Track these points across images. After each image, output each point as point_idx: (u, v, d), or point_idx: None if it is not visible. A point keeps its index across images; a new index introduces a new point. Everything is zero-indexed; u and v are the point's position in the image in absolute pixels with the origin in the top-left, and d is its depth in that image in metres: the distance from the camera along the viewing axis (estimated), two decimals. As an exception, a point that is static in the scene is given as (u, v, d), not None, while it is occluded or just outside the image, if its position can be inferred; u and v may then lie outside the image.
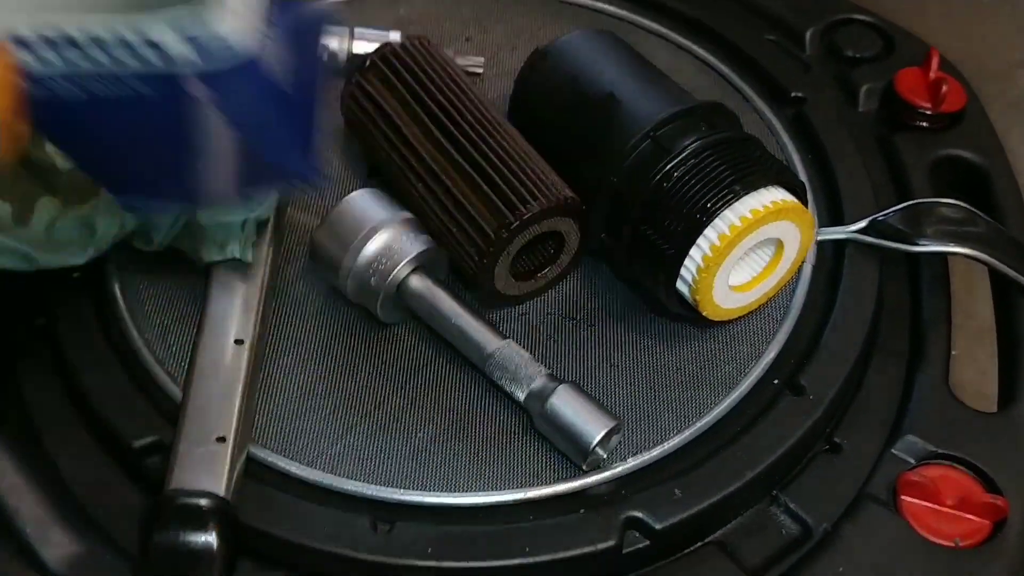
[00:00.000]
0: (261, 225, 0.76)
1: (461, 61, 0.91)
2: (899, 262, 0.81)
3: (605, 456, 0.69)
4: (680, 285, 0.71)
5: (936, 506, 0.68)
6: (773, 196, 0.69)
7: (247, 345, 0.71)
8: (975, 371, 1.15)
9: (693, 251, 0.68)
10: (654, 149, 0.71)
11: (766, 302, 0.75)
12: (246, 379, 0.69)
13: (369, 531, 0.65)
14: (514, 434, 0.70)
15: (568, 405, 0.68)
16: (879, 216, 0.79)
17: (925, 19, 1.54)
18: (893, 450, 0.72)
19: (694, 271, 0.69)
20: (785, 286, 0.76)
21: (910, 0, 1.50)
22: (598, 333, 0.76)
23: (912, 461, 0.71)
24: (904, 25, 1.00)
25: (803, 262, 0.76)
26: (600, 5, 0.98)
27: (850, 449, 0.72)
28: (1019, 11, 1.54)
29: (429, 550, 0.65)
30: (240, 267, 0.75)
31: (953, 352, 0.80)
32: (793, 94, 0.90)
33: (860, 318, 0.75)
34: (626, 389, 0.73)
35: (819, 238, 0.79)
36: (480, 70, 0.92)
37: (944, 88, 0.89)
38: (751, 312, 0.75)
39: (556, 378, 0.69)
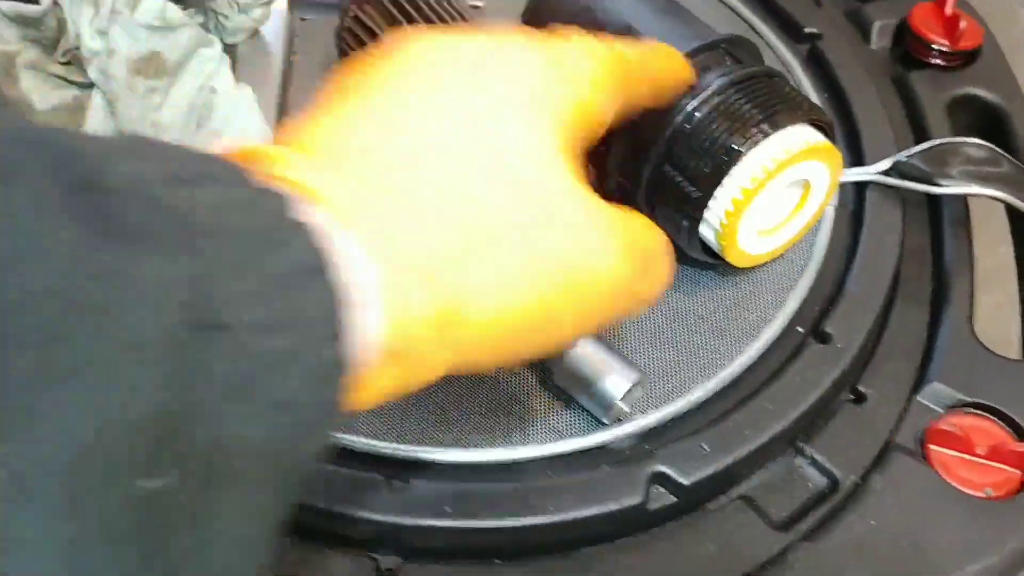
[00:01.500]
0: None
1: (460, -5, 0.87)
2: (919, 203, 0.79)
3: (628, 410, 0.66)
4: (704, 230, 0.67)
5: (966, 455, 0.67)
6: (806, 135, 0.66)
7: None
8: (992, 316, 1.13)
9: (720, 193, 0.65)
10: None
11: (789, 247, 0.73)
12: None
13: (385, 490, 0.63)
14: (533, 388, 0.68)
15: (589, 358, 0.65)
16: (901, 156, 0.76)
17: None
18: (919, 398, 0.70)
19: (721, 215, 0.66)
20: (807, 231, 0.73)
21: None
22: (614, 281, 0.73)
23: (939, 410, 0.69)
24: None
25: (831, 198, 0.74)
26: (603, -63, 0.93)
27: (876, 398, 0.70)
28: (1020, -53, 1.51)
29: (447, 509, 0.62)
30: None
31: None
32: (807, 30, 0.86)
33: (885, 263, 0.73)
34: (647, 340, 0.70)
35: (841, 180, 0.76)
36: (480, 3, 0.88)
37: (962, 24, 0.86)
38: (775, 259, 0.72)
39: (576, 329, 0.66)
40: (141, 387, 0.27)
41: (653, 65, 0.58)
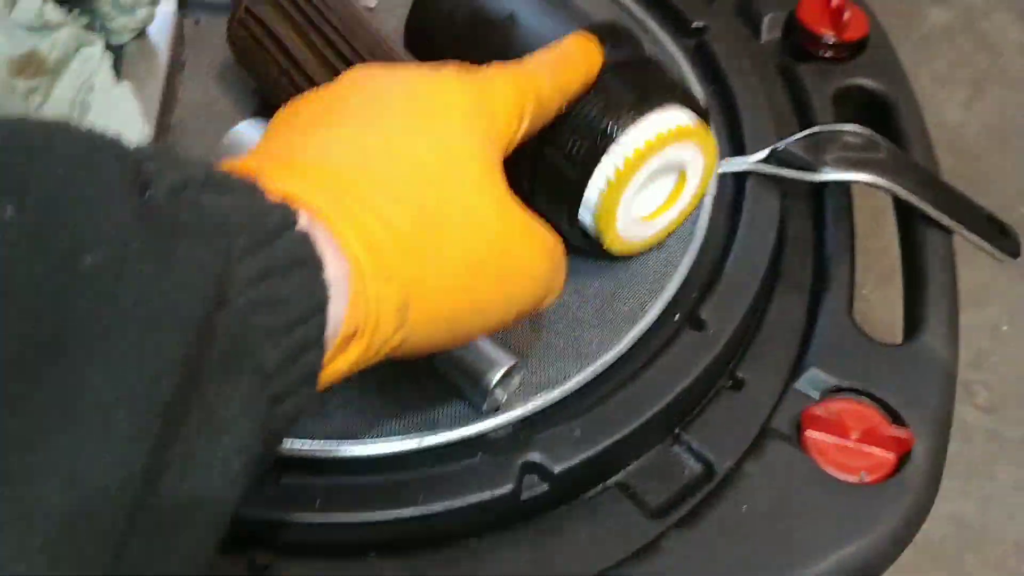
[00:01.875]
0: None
1: (352, -8, 0.88)
2: (803, 193, 0.79)
3: (505, 398, 0.66)
4: (583, 213, 0.68)
5: (841, 440, 0.67)
6: (679, 117, 0.66)
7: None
8: (886, 309, 1.15)
9: (596, 174, 0.66)
10: None
11: (667, 237, 0.73)
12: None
13: (255, 486, 0.62)
14: (409, 376, 0.67)
15: (467, 344, 0.65)
16: (779, 145, 0.77)
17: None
18: (797, 385, 0.70)
19: (597, 196, 0.66)
20: (685, 220, 0.74)
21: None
22: (496, 273, 0.73)
23: (816, 395, 0.70)
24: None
25: (704, 194, 0.74)
26: (497, -65, 0.94)
27: (753, 384, 0.70)
28: (927, -56, 1.53)
29: (317, 502, 0.62)
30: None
31: (863, 291, 0.79)
32: (694, 24, 0.87)
33: (761, 250, 0.73)
34: (526, 328, 0.70)
35: (720, 170, 0.77)
36: (373, 3, 0.88)
37: (846, 15, 0.87)
38: (652, 248, 0.73)
39: (450, 319, 0.67)
40: (169, 353, 0.35)
41: (565, 81, 0.63)
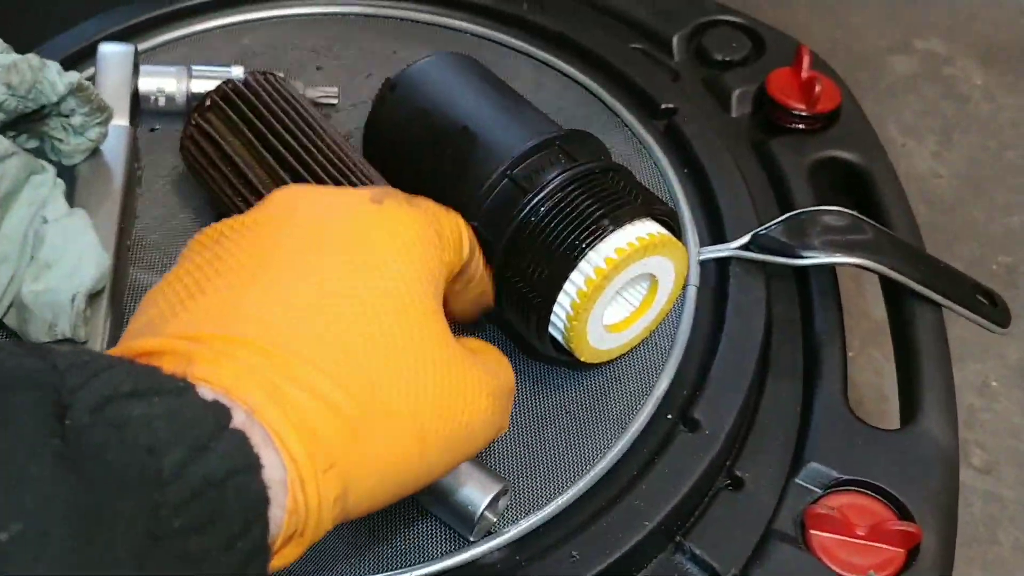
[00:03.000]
0: (94, 298, 0.69)
1: (312, 93, 0.85)
2: (786, 275, 0.77)
3: (495, 520, 0.63)
4: (553, 331, 0.65)
5: (847, 538, 0.65)
6: (639, 231, 0.63)
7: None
8: (872, 372, 1.13)
9: (561, 297, 0.63)
10: (512, 188, 0.65)
11: (646, 337, 0.71)
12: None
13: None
14: (393, 509, 0.64)
15: (449, 474, 0.62)
16: (760, 230, 0.75)
17: (793, 10, 1.53)
18: (797, 480, 0.68)
19: (564, 318, 0.63)
20: (669, 312, 0.71)
21: (776, -8, 1.51)
22: (478, 381, 0.71)
23: (818, 490, 0.67)
24: (772, 17, 0.97)
25: (685, 287, 0.72)
26: (458, 24, 0.93)
27: (753, 483, 0.68)
28: (888, -3, 1.53)
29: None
30: (75, 346, 0.67)
31: (849, 354, 0.77)
32: (663, 106, 0.85)
33: (750, 341, 0.71)
34: (513, 441, 0.67)
35: (701, 258, 0.75)
36: (334, 101, 0.86)
37: (817, 88, 0.85)
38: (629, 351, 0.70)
39: (433, 440, 0.64)
40: None
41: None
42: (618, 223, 0.63)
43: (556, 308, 0.63)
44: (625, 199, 0.64)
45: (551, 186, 0.64)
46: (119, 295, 0.73)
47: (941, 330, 0.75)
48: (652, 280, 0.67)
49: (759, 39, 0.94)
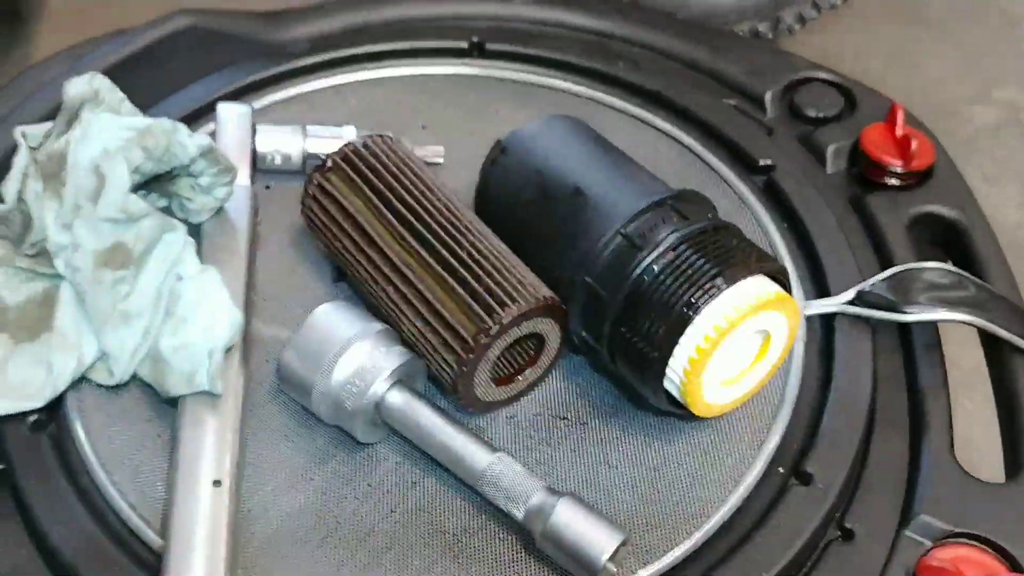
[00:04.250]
0: (228, 350, 0.72)
1: (420, 152, 0.88)
2: (890, 329, 0.79)
3: (616, 571, 0.65)
4: (667, 385, 0.68)
5: (960, 591, 0.66)
6: (757, 288, 0.66)
7: (225, 487, 0.66)
8: (963, 422, 1.13)
9: (677, 352, 0.65)
10: (626, 246, 0.68)
11: (758, 391, 0.73)
12: (229, 524, 0.65)
13: None
14: (517, 554, 0.67)
15: (571, 522, 0.64)
16: (865, 286, 0.77)
17: (871, 61, 1.55)
18: (907, 532, 0.69)
19: (680, 372, 0.66)
20: (775, 373, 0.73)
21: (855, 45, 1.52)
22: (591, 432, 0.73)
23: (928, 543, 0.69)
24: (851, 67, 0.99)
25: (791, 348, 0.74)
26: (555, 83, 0.96)
27: (864, 535, 0.69)
28: (964, 46, 1.55)
29: None
30: (210, 398, 0.71)
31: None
32: (762, 162, 0.88)
33: (859, 395, 0.73)
34: (628, 492, 0.70)
35: (807, 312, 0.77)
36: (440, 160, 0.89)
37: (914, 145, 0.87)
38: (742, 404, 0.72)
39: (555, 491, 0.66)
40: None
41: None
42: (732, 280, 0.65)
43: (672, 363, 0.65)
44: (738, 256, 0.66)
45: (664, 244, 0.66)
46: (248, 348, 0.76)
47: (1044, 384, 0.76)
48: (765, 335, 0.69)
49: (850, 95, 0.96)
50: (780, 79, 0.97)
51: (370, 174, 0.78)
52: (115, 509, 0.69)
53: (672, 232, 0.67)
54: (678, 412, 0.70)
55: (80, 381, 0.74)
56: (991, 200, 1.41)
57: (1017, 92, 1.47)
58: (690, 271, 0.66)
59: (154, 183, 0.79)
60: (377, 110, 0.94)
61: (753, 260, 0.67)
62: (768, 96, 0.96)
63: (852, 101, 0.96)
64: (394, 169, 0.78)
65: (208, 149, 0.78)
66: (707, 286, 0.65)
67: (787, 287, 0.69)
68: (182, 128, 0.78)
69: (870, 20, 1.55)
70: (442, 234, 0.73)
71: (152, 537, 0.67)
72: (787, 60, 0.99)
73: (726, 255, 0.66)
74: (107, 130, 0.76)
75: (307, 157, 0.88)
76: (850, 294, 0.76)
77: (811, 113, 0.95)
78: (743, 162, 0.89)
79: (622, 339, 0.68)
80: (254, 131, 0.88)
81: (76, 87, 0.81)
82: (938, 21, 1.59)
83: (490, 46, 0.98)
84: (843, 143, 0.92)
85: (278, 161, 0.88)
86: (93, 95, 0.81)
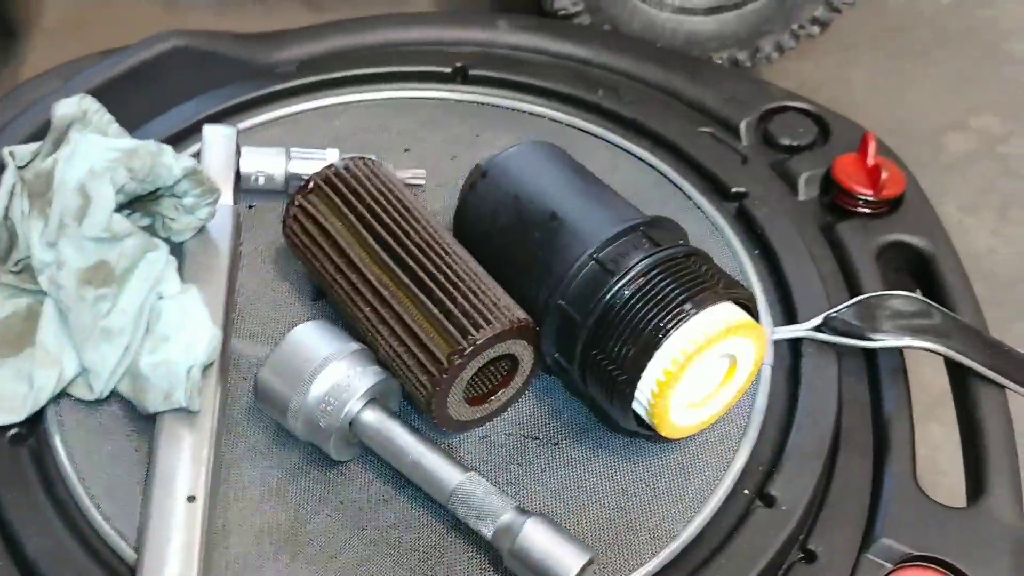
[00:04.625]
0: (205, 369, 0.74)
1: (402, 174, 0.90)
2: (856, 355, 0.81)
3: (581, 590, 0.67)
4: (636, 407, 0.69)
5: (918, 613, 0.67)
6: (725, 314, 0.67)
7: (200, 502, 0.68)
8: (928, 447, 1.15)
9: (646, 375, 0.67)
10: (599, 270, 0.69)
11: (725, 412, 0.74)
12: (202, 540, 0.66)
13: None
14: (485, 572, 0.68)
15: (538, 541, 0.65)
16: (832, 313, 0.78)
17: (851, 88, 1.58)
18: (869, 555, 0.71)
19: (648, 394, 0.67)
20: (742, 396, 0.75)
21: (835, 73, 1.55)
22: (562, 452, 0.74)
23: (889, 565, 0.70)
24: (830, 94, 1.01)
25: (757, 373, 0.76)
26: (536, 108, 0.97)
27: (826, 557, 0.71)
28: (944, 75, 1.57)
29: None
30: (187, 415, 0.72)
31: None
32: (734, 189, 0.89)
33: (824, 419, 0.75)
34: (596, 511, 0.71)
35: (775, 337, 0.78)
36: (422, 182, 0.91)
37: (884, 174, 0.89)
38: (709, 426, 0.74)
39: (524, 511, 0.67)
40: None
41: None
42: (701, 306, 0.67)
43: (641, 386, 0.67)
44: (707, 283, 0.68)
45: (636, 269, 0.68)
46: (226, 366, 0.77)
47: (1006, 412, 0.78)
48: (731, 360, 0.70)
49: (824, 125, 0.98)
50: (756, 108, 0.99)
51: (351, 196, 0.79)
52: (91, 522, 0.70)
53: (644, 258, 0.69)
54: (646, 433, 0.72)
55: (60, 396, 0.75)
56: (965, 226, 1.43)
57: (993, 121, 1.49)
58: (660, 296, 0.67)
59: (137, 202, 0.81)
60: (361, 132, 0.96)
61: (721, 287, 0.69)
62: (743, 124, 0.98)
63: (826, 130, 0.98)
64: (375, 191, 0.79)
65: (192, 171, 0.79)
66: (676, 311, 0.67)
67: (754, 314, 0.70)
68: (167, 150, 0.79)
69: (849, 48, 1.57)
70: (420, 255, 0.75)
71: (127, 550, 0.68)
72: (763, 89, 1.01)
73: (696, 281, 0.68)
74: (94, 151, 0.78)
75: (290, 178, 0.90)
76: (817, 320, 0.78)
77: (785, 141, 0.97)
78: (717, 189, 0.90)
79: (593, 361, 0.69)
80: (239, 152, 0.90)
81: (65, 108, 0.83)
82: (917, 50, 1.62)
83: (474, 72, 1.00)
84: (816, 171, 0.94)
85: (261, 182, 0.90)
86: (81, 116, 0.83)
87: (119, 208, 0.77)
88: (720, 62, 1.45)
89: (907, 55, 1.61)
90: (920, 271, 0.88)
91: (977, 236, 1.40)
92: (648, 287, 0.68)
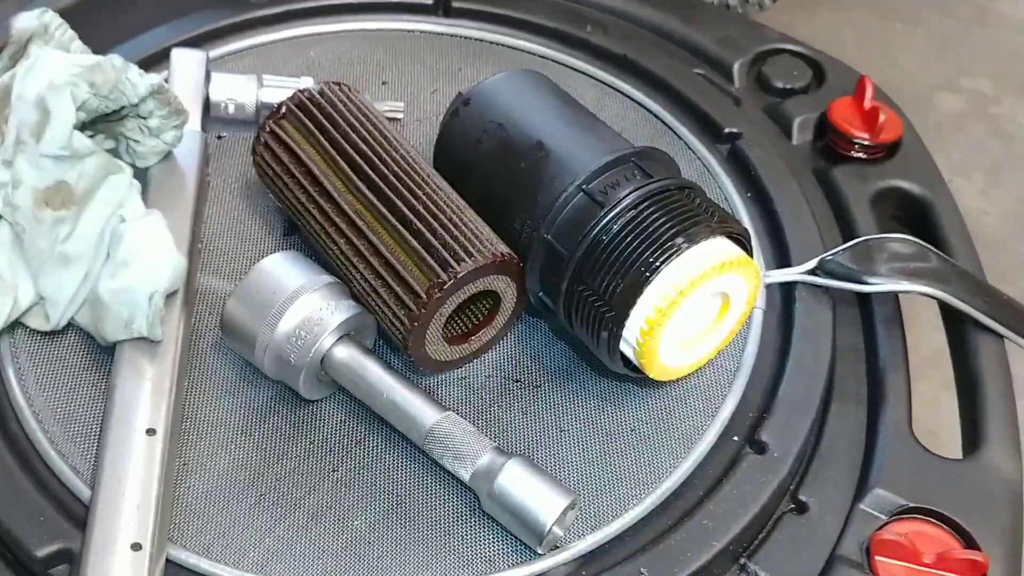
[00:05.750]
0: (168, 298, 0.70)
1: (379, 107, 0.86)
2: (850, 301, 0.78)
3: (562, 534, 0.63)
4: (623, 347, 0.66)
5: (913, 565, 0.65)
6: (718, 250, 0.64)
7: (160, 436, 0.64)
8: (922, 405, 1.12)
9: (635, 313, 0.63)
10: (587, 202, 0.66)
11: (715, 356, 0.71)
12: (161, 475, 0.62)
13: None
14: (462, 516, 0.65)
15: (518, 484, 0.62)
16: (827, 256, 0.75)
17: (843, 47, 1.54)
18: (862, 506, 0.68)
19: (637, 333, 0.64)
20: (732, 339, 0.72)
21: (827, 31, 1.52)
22: (544, 396, 0.71)
23: (883, 517, 0.67)
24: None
25: (750, 313, 0.73)
26: (522, 44, 0.94)
27: (817, 508, 0.68)
28: (933, 35, 1.54)
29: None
30: (149, 346, 0.68)
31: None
32: (727, 130, 0.86)
33: (817, 366, 0.72)
34: (579, 456, 0.68)
35: (768, 280, 0.75)
36: (400, 115, 0.87)
37: (881, 118, 0.86)
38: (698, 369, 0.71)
39: (504, 452, 0.64)
40: None
41: None
42: (693, 240, 0.63)
43: (629, 323, 0.63)
44: (701, 217, 0.65)
45: (626, 201, 0.64)
46: (191, 297, 0.73)
47: (1004, 361, 0.75)
48: (724, 298, 0.67)
49: (819, 68, 0.95)
50: (749, 50, 0.95)
51: (325, 122, 0.75)
52: (44, 458, 0.66)
53: (634, 190, 0.65)
54: (633, 375, 0.68)
55: (14, 327, 0.71)
56: (955, 188, 1.40)
57: (984, 82, 1.47)
58: (651, 229, 0.64)
59: (101, 123, 0.76)
60: (337, 64, 0.91)
61: (715, 221, 0.65)
62: (736, 66, 0.94)
63: (821, 74, 0.95)
64: (351, 118, 0.75)
65: (159, 89, 0.75)
66: (668, 245, 0.63)
67: (749, 250, 0.67)
68: (132, 67, 0.75)
69: (842, 7, 1.55)
70: (398, 185, 0.71)
71: (82, 488, 0.64)
72: (757, 31, 0.98)
73: (689, 215, 0.65)
74: (54, 65, 0.73)
75: (262, 107, 0.85)
76: (811, 263, 0.75)
77: (779, 84, 0.93)
78: (709, 129, 0.87)
79: (579, 298, 0.66)
80: (208, 78, 0.85)
81: (24, 21, 0.78)
82: (910, 11, 1.59)
83: (456, 4, 0.96)
84: (810, 115, 0.90)
85: (232, 110, 0.86)
86: (42, 30, 0.78)
87: (81, 127, 0.73)
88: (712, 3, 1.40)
89: (898, 17, 1.59)
90: (917, 219, 0.85)
91: (968, 197, 1.38)
92: (639, 220, 0.64)
